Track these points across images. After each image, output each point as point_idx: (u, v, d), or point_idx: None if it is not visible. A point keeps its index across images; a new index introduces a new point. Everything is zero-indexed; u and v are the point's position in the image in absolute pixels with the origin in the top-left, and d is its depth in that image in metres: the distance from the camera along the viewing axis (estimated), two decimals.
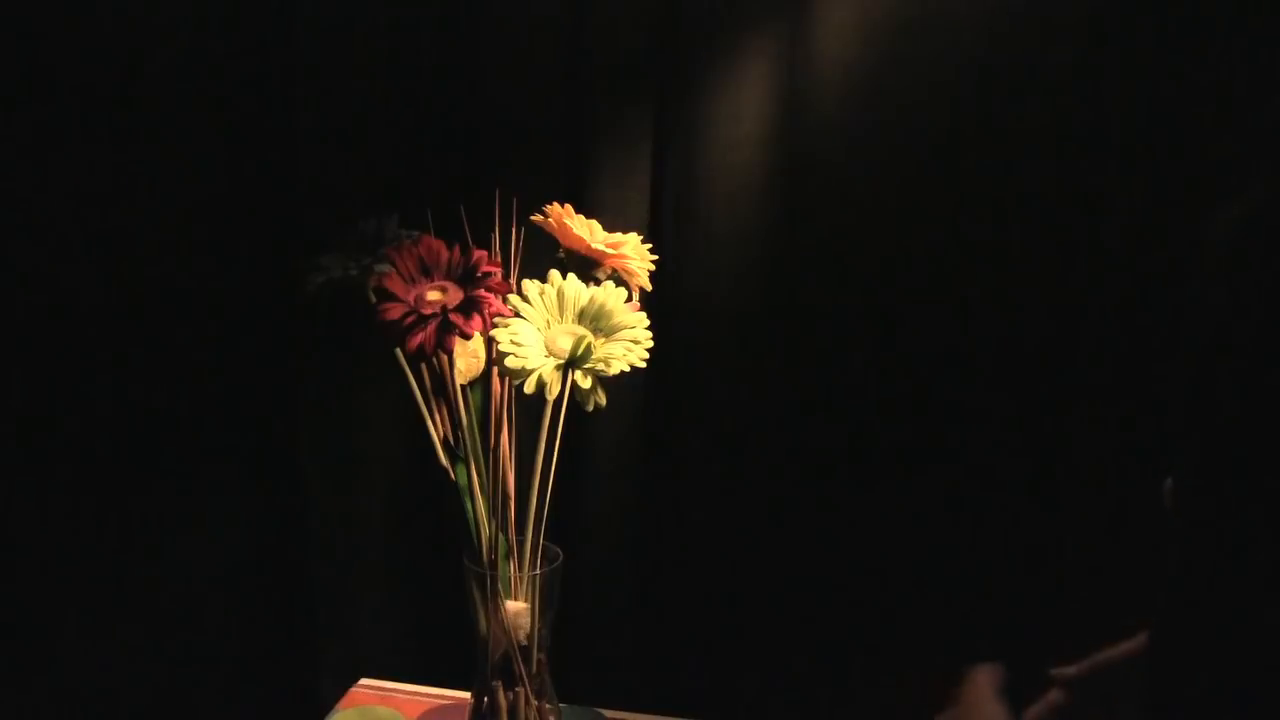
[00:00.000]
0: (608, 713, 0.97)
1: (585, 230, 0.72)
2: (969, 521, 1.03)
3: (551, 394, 0.66)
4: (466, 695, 0.75)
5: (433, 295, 0.67)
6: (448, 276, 0.68)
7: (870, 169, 1.01)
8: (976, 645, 0.99)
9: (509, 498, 0.73)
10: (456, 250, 0.69)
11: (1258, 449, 0.45)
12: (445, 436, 0.73)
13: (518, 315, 0.68)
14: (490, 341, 0.69)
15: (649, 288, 0.75)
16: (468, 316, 0.66)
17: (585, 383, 0.66)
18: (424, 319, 0.65)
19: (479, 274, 0.68)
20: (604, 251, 0.72)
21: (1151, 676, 0.54)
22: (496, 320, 0.67)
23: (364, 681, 1.04)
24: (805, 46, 0.99)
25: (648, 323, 0.69)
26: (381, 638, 1.14)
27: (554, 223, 0.73)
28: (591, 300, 0.69)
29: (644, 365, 0.67)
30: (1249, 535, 0.45)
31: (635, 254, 0.74)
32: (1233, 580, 0.46)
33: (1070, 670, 0.71)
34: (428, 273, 0.68)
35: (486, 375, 0.73)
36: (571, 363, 0.66)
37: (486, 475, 0.73)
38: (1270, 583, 0.44)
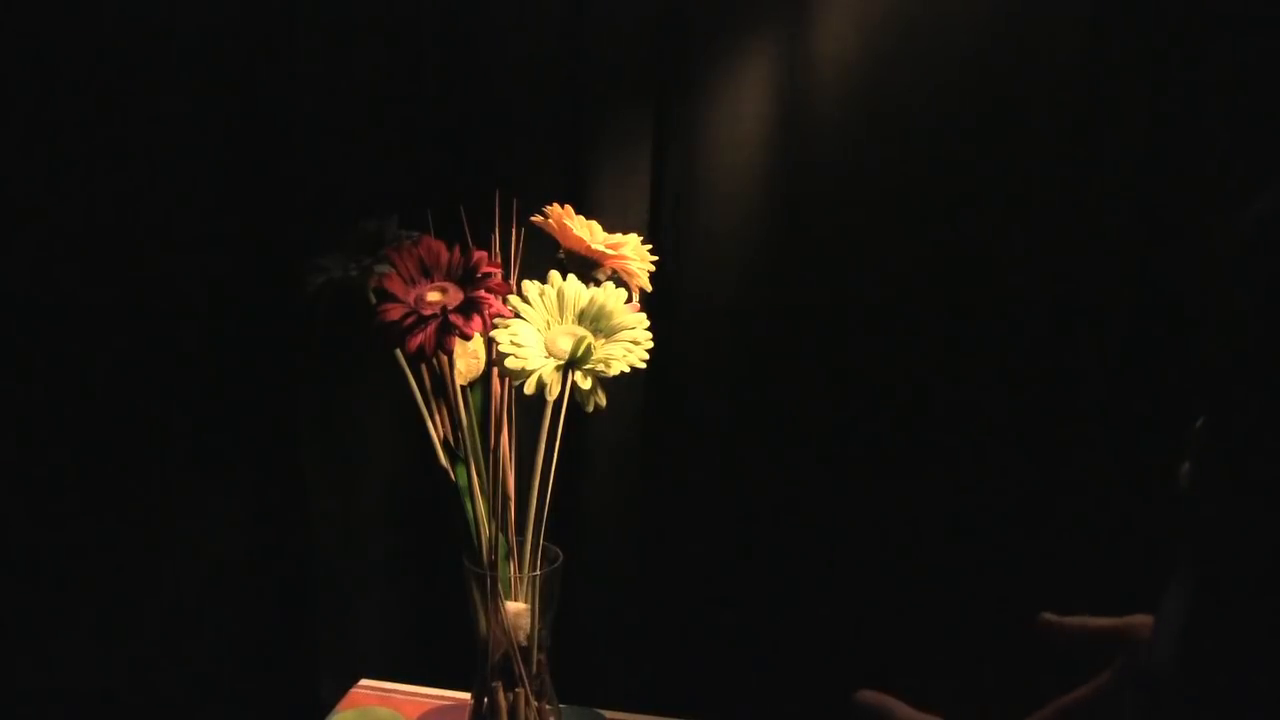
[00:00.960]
0: (608, 713, 0.97)
1: (585, 231, 0.72)
2: (972, 521, 1.03)
3: (551, 395, 0.66)
4: (466, 696, 0.75)
5: (433, 296, 0.67)
6: (448, 277, 0.68)
7: (870, 169, 1.01)
8: (979, 644, 0.99)
9: (509, 499, 0.73)
10: (456, 251, 0.69)
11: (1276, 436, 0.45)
12: (445, 437, 0.73)
13: (518, 316, 0.68)
14: (490, 342, 0.69)
15: (649, 288, 0.75)
16: (468, 317, 0.66)
17: (585, 383, 0.66)
18: (424, 320, 0.65)
19: (479, 275, 0.68)
20: (604, 252, 0.72)
21: (1161, 665, 0.54)
22: (496, 321, 0.67)
23: (364, 682, 1.04)
24: (805, 46, 0.99)
25: (648, 323, 0.69)
26: (381, 638, 1.14)
27: (554, 223, 0.73)
28: (591, 301, 0.69)
29: (644, 366, 0.67)
30: (1267, 520, 0.45)
31: (635, 254, 0.74)
32: (1250, 567, 0.46)
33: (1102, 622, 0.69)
34: (428, 273, 0.68)
35: (486, 376, 0.73)
36: (571, 363, 0.66)
37: (486, 476, 0.73)
38: None
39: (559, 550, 0.74)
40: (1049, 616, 0.66)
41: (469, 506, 0.73)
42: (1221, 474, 0.47)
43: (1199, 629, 0.49)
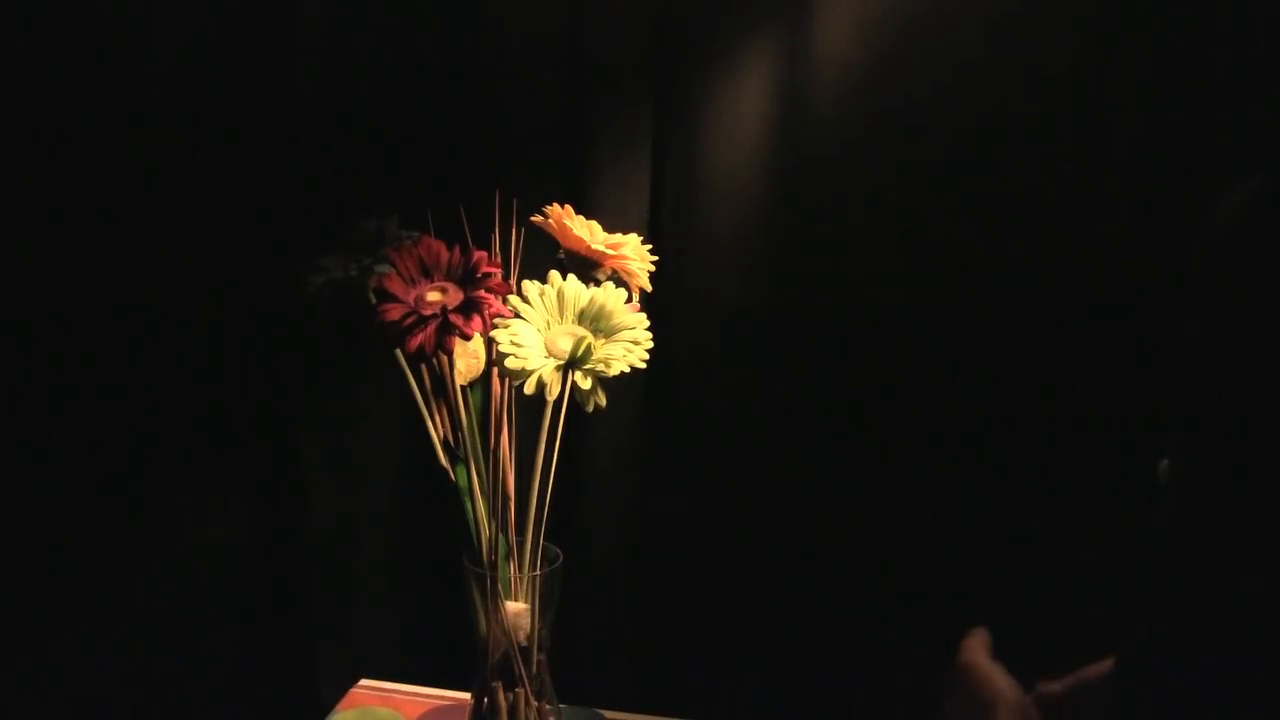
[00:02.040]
0: (608, 713, 0.97)
1: (585, 231, 0.72)
2: (969, 520, 1.03)
3: (551, 395, 0.66)
4: (466, 696, 0.75)
5: (433, 296, 0.67)
6: (448, 277, 0.68)
7: (870, 168, 1.01)
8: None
9: (509, 499, 0.73)
10: (456, 251, 0.69)
11: (1254, 429, 0.45)
12: (445, 437, 0.73)
13: (518, 316, 0.68)
14: (490, 342, 0.69)
15: (649, 288, 0.75)
16: (468, 317, 0.66)
17: (585, 383, 0.66)
18: (424, 320, 0.65)
19: (479, 275, 0.68)
20: (604, 252, 0.72)
21: (1143, 659, 0.54)
22: (496, 321, 0.67)
23: (364, 682, 1.04)
24: (805, 46, 0.99)
25: (648, 323, 0.69)
26: (381, 638, 1.13)
27: (554, 223, 0.73)
28: (591, 301, 0.69)
29: (644, 366, 0.67)
30: (1243, 512, 0.45)
31: (635, 254, 0.74)
32: (1226, 558, 0.46)
33: (1054, 688, 0.71)
34: (428, 273, 0.68)
35: (486, 376, 0.73)
36: (571, 363, 0.66)
37: (486, 476, 0.73)
38: (1263, 559, 0.44)
39: (559, 550, 0.74)
40: (1046, 688, 0.68)
41: (469, 506, 0.73)
42: (1196, 471, 0.48)
43: (1164, 615, 0.49)
